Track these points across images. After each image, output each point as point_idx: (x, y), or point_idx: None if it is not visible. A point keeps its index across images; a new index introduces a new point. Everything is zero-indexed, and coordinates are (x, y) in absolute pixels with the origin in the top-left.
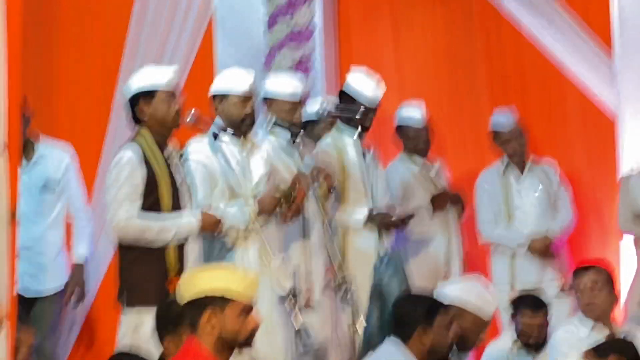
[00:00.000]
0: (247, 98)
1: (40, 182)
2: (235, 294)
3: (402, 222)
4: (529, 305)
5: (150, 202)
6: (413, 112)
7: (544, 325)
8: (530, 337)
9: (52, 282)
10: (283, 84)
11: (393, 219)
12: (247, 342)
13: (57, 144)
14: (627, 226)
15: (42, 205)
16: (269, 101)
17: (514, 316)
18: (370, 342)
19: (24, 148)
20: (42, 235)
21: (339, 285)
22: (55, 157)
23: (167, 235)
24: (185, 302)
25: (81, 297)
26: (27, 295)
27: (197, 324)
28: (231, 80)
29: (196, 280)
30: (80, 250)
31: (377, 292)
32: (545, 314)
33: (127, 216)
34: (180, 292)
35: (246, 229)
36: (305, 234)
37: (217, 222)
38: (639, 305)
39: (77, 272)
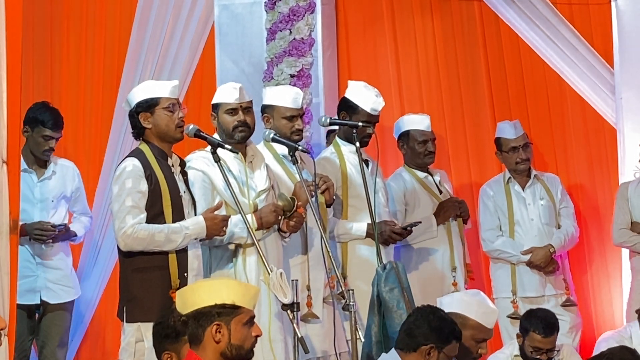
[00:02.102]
0: (237, 107)
1: (54, 197)
2: (241, 304)
3: (406, 231)
4: (540, 329)
5: (154, 213)
6: (420, 118)
7: (553, 348)
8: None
9: (68, 291)
10: (284, 91)
11: (396, 227)
12: (250, 352)
13: (65, 160)
14: (622, 237)
15: (56, 219)
16: (268, 109)
17: (521, 335)
18: (370, 354)
19: (39, 163)
20: (57, 250)
21: (340, 296)
22: (67, 172)
23: (177, 236)
24: (188, 315)
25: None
26: (50, 303)
27: (200, 337)
28: (222, 90)
29: (200, 293)
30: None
31: (377, 304)
32: (556, 337)
33: (134, 222)
34: (182, 305)
35: (245, 242)
36: (305, 245)
37: (223, 221)
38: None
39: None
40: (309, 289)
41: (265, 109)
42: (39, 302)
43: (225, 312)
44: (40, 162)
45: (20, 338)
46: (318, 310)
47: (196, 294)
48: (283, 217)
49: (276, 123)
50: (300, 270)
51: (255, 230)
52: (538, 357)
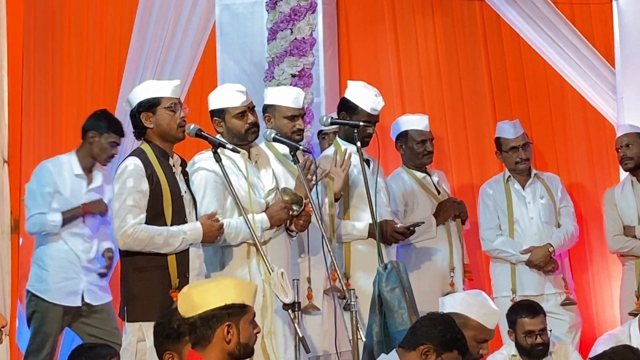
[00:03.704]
0: (245, 109)
1: None
2: (248, 302)
3: (408, 231)
4: (525, 312)
5: (154, 212)
6: (418, 118)
7: (544, 330)
8: (532, 346)
9: (106, 290)
10: (285, 91)
11: (398, 226)
12: (253, 350)
13: (103, 169)
14: (617, 244)
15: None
16: (270, 109)
17: (511, 329)
18: (372, 354)
19: (88, 170)
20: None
21: (342, 296)
22: (108, 181)
23: (175, 240)
24: (195, 317)
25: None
26: (93, 304)
27: (209, 338)
28: (225, 95)
29: (208, 295)
30: None
31: (378, 304)
32: (544, 318)
33: (135, 222)
34: (188, 308)
35: (260, 241)
36: (305, 244)
37: (219, 229)
38: (628, 316)
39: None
40: (309, 281)
41: (266, 108)
42: (79, 304)
43: (235, 312)
44: (90, 169)
45: (53, 337)
46: (318, 304)
47: (203, 296)
48: (292, 213)
49: (277, 123)
50: (300, 268)
51: (268, 229)
52: (535, 342)
